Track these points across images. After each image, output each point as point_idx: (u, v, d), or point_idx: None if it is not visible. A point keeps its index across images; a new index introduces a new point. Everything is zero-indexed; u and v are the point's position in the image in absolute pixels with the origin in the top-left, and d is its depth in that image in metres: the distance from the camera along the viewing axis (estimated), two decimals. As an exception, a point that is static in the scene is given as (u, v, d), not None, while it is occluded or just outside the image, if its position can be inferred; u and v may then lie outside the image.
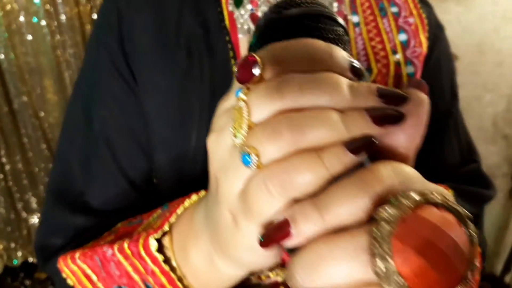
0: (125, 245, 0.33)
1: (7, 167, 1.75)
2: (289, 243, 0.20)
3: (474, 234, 0.18)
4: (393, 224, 0.17)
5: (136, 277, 0.33)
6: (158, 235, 0.32)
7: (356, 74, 0.22)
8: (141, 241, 0.32)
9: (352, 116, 0.20)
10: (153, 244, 0.32)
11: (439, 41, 0.49)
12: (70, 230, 0.39)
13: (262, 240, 0.21)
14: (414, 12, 0.48)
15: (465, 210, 0.19)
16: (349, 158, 0.19)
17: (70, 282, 0.36)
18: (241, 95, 0.21)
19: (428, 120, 0.51)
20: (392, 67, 0.45)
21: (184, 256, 0.32)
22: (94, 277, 0.35)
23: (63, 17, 1.57)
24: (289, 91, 0.20)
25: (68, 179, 0.43)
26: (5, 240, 1.90)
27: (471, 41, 1.53)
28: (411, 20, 0.47)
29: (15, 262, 1.93)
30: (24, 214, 1.89)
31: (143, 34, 0.41)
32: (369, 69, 0.45)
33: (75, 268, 0.35)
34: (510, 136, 1.42)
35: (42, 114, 1.72)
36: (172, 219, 0.33)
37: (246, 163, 0.20)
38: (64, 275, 0.36)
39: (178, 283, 0.31)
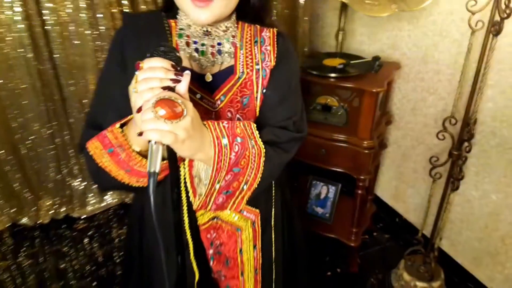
0: (109, 127, 0.76)
1: (57, 140, 2.19)
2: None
3: (181, 105, 0.63)
4: (155, 101, 0.61)
5: (114, 141, 0.75)
6: (119, 123, 0.75)
7: (176, 69, 0.66)
8: (113, 125, 0.75)
9: (164, 79, 0.64)
10: (117, 125, 0.75)
11: (284, 60, 0.88)
12: None
13: (137, 111, 0.64)
14: (271, 43, 0.88)
15: (179, 102, 0.63)
16: (160, 90, 0.64)
17: (91, 153, 0.78)
18: (137, 73, 0.65)
19: (278, 96, 0.91)
20: (254, 71, 0.86)
21: (129, 133, 0.74)
22: (100, 147, 0.76)
23: (102, 28, 1.98)
24: (147, 72, 0.64)
25: (96, 117, 0.86)
26: (52, 198, 2.34)
27: (418, 53, 1.86)
28: (268, 47, 0.88)
29: (59, 216, 2.36)
30: (68, 178, 2.34)
31: (131, 50, 0.83)
32: (243, 72, 0.86)
33: (93, 145, 0.78)
34: (449, 132, 1.71)
35: (84, 101, 2.15)
36: (127, 118, 0.76)
37: (134, 92, 0.65)
38: (90, 151, 0.79)
39: (126, 142, 0.74)
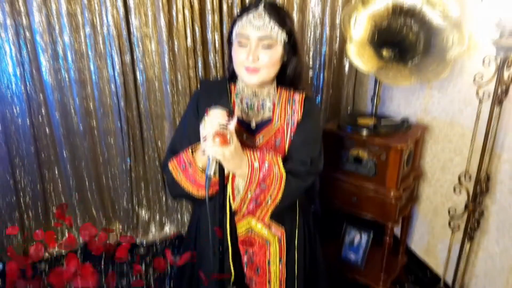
0: (183, 151, 1.12)
1: (133, 174, 2.60)
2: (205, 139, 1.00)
3: (227, 131, 0.97)
4: (214, 133, 0.96)
5: (186, 160, 1.09)
6: (191, 149, 1.10)
7: (230, 115, 1.00)
8: (187, 149, 1.10)
9: (222, 120, 0.99)
10: (189, 150, 1.11)
11: (309, 116, 1.20)
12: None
13: (203, 139, 0.99)
14: (300, 103, 1.21)
15: (227, 131, 0.98)
16: (218, 127, 0.98)
17: (170, 169, 1.12)
18: (205, 117, 1.01)
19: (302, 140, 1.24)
20: (285, 123, 1.19)
21: (196, 155, 1.10)
22: (176, 165, 1.11)
23: (180, 86, 2.42)
24: (211, 116, 1.00)
25: (175, 145, 1.21)
26: (120, 224, 2.71)
27: (446, 118, 2.09)
28: (297, 106, 1.21)
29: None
30: (136, 208, 2.71)
31: (203, 104, 1.19)
32: (278, 122, 1.19)
33: (172, 163, 1.12)
34: (469, 189, 1.88)
35: (159, 143, 2.56)
36: (195, 145, 1.11)
37: (202, 127, 1.01)
38: (170, 168, 1.13)
39: (194, 160, 1.09)
